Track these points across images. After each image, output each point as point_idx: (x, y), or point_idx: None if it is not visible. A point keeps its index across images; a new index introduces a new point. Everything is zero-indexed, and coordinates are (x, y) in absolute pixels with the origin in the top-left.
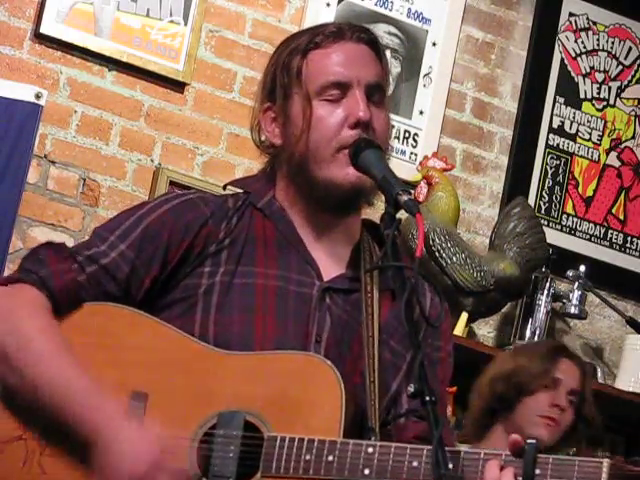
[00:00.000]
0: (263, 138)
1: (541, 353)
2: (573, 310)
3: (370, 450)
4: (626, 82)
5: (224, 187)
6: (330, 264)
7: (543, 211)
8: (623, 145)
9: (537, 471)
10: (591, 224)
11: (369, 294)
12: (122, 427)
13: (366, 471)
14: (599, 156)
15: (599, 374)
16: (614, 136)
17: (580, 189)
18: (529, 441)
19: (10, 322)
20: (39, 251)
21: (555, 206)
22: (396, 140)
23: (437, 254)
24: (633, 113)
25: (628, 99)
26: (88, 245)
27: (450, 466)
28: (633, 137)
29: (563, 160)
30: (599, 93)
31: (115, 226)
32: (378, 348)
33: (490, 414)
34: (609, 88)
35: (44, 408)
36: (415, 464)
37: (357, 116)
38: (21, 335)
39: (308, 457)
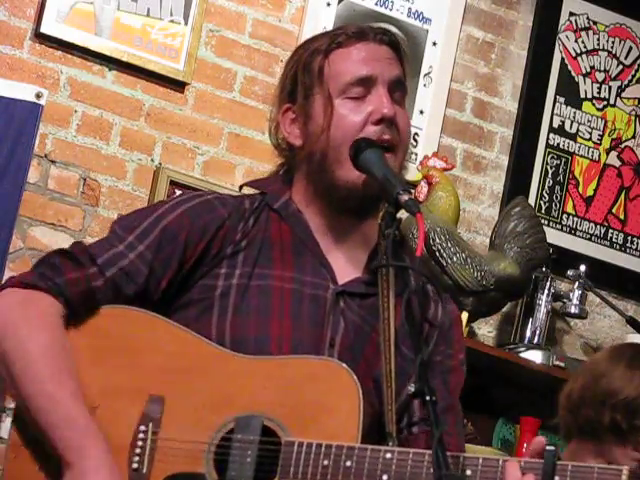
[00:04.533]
0: (281, 139)
1: None
2: (573, 310)
3: (388, 456)
4: (626, 82)
5: (240, 188)
6: (346, 267)
7: (543, 211)
8: (623, 145)
9: (556, 478)
10: (591, 224)
11: (385, 298)
12: (98, 467)
13: (384, 477)
14: (599, 156)
15: None
16: (614, 136)
17: (580, 189)
18: (548, 448)
19: (18, 335)
20: (55, 258)
21: (555, 206)
22: None
23: (437, 254)
24: (633, 113)
25: (628, 99)
26: (107, 245)
27: (468, 472)
28: (633, 137)
29: (563, 160)
30: (599, 93)
31: (133, 226)
32: (394, 353)
33: (592, 433)
34: (609, 88)
35: (34, 424)
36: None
37: (381, 112)
38: (25, 352)
39: (326, 462)
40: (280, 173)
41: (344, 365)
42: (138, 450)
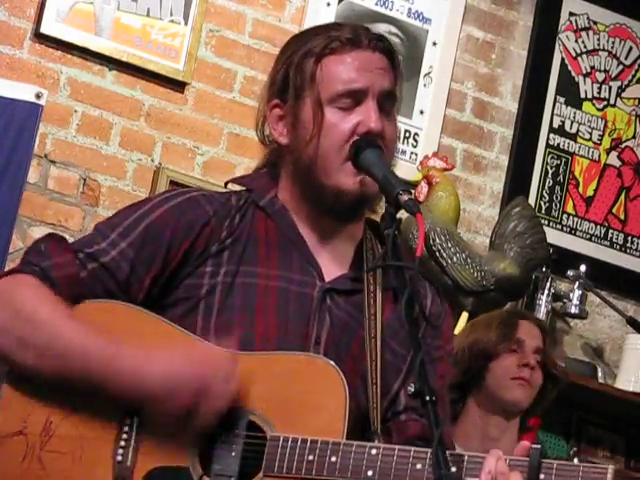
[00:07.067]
0: (267, 133)
1: (499, 319)
2: (573, 310)
3: (373, 452)
4: (626, 82)
5: (225, 184)
6: (332, 264)
7: (543, 211)
8: (623, 145)
9: (541, 476)
10: (591, 224)
11: (372, 294)
12: (153, 361)
13: (369, 473)
14: (599, 156)
15: (599, 374)
16: (614, 136)
17: (580, 189)
18: (534, 446)
19: (16, 306)
20: (40, 243)
21: (555, 206)
22: None
23: (437, 254)
24: (633, 113)
25: (628, 99)
26: (89, 242)
27: (454, 469)
28: (633, 137)
29: (563, 160)
30: (599, 93)
31: (117, 223)
32: (380, 349)
33: (459, 390)
34: (609, 88)
35: (72, 378)
36: (419, 466)
37: (368, 126)
38: (30, 315)
39: (311, 457)
40: (265, 169)
41: (331, 362)
42: (122, 443)
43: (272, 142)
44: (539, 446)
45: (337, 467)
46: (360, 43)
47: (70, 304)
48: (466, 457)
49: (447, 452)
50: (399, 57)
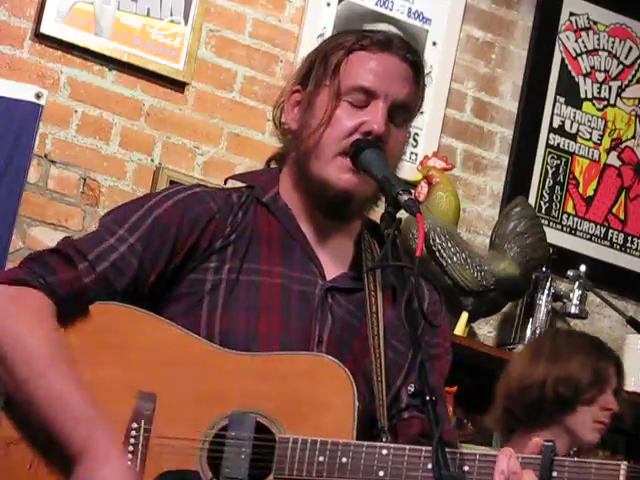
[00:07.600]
0: (283, 119)
1: (595, 359)
2: (573, 310)
3: (384, 452)
4: (626, 82)
5: (225, 181)
6: (332, 262)
7: (543, 211)
8: (623, 145)
9: (554, 473)
10: (591, 224)
11: (372, 293)
12: (108, 458)
13: (381, 473)
14: (599, 156)
15: None
16: (614, 136)
17: (580, 189)
18: (546, 443)
19: (12, 330)
20: (46, 257)
21: (555, 206)
22: None
23: (437, 254)
24: (633, 113)
25: (628, 99)
26: (96, 239)
27: (466, 468)
28: (633, 137)
29: (563, 160)
30: (599, 93)
31: (123, 218)
32: (383, 347)
33: (540, 413)
34: (609, 88)
35: (37, 420)
36: (430, 466)
37: (371, 126)
38: (25, 346)
39: (321, 459)
40: (268, 167)
41: (337, 361)
42: (130, 447)
43: (285, 131)
44: (551, 443)
45: (348, 468)
46: (391, 48)
47: (75, 313)
48: (478, 456)
49: (457, 451)
50: (425, 73)
